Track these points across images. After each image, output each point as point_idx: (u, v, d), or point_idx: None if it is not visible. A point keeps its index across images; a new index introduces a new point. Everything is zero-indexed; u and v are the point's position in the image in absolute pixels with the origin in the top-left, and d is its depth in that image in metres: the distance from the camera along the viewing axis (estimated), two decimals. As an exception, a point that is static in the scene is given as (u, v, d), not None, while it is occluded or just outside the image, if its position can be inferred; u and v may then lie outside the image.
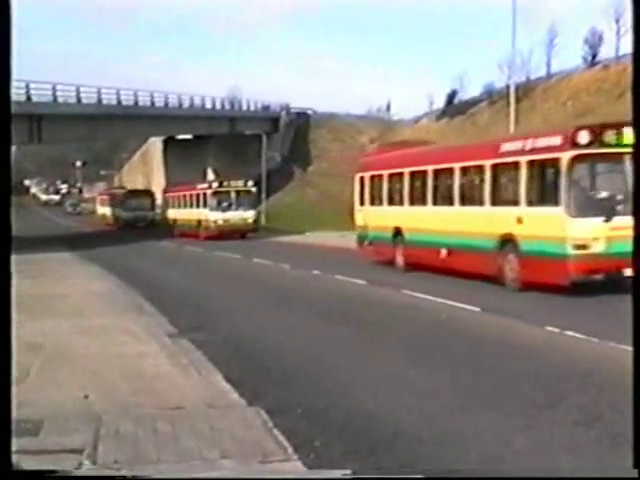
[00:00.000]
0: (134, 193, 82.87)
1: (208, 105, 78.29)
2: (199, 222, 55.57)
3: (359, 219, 30.40)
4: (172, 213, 65.84)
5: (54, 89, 56.88)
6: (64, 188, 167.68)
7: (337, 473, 7.19)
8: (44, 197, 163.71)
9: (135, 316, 17.36)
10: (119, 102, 64.92)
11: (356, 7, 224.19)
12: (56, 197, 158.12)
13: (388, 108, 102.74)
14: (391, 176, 27.89)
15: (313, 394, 10.25)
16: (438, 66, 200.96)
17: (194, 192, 58.86)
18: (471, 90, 75.64)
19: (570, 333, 13.74)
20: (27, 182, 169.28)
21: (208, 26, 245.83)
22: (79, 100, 59.72)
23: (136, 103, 67.30)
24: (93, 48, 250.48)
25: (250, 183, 56.61)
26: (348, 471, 7.23)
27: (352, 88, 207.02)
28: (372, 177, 29.38)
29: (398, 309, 18.31)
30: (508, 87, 46.25)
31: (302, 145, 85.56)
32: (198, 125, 76.69)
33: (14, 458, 7.53)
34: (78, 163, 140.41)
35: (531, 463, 7.48)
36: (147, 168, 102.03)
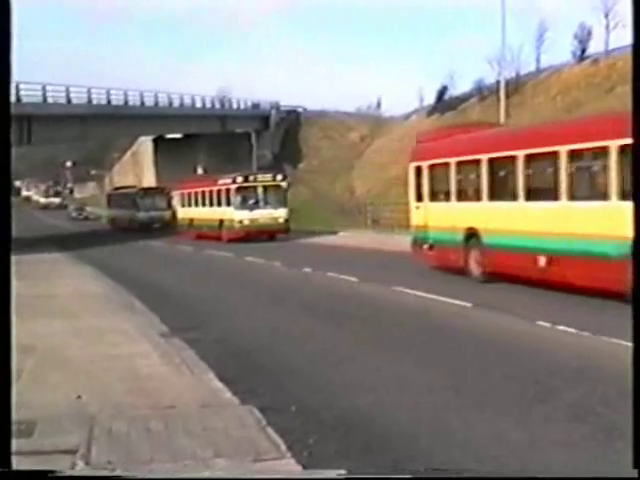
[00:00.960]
0: (148, 191, 74.25)
1: (198, 104, 78.23)
2: (221, 222, 47.78)
3: (416, 218, 25.05)
4: (185, 212, 57.30)
5: (44, 89, 56.74)
6: (65, 190, 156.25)
7: (332, 473, 7.19)
8: (43, 200, 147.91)
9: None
10: (109, 102, 64.79)
11: (346, 5, 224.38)
12: (56, 200, 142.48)
13: (378, 105, 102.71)
14: (461, 164, 22.59)
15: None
16: (428, 62, 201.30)
17: (214, 188, 50.90)
18: (461, 86, 75.82)
19: (562, 327, 13.78)
20: (18, 183, 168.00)
21: (198, 25, 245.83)
22: (69, 100, 59.60)
23: (126, 103, 67.18)
24: (83, 48, 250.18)
25: (279, 177, 48.69)
26: (343, 471, 7.24)
27: (342, 85, 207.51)
28: (433, 167, 24.15)
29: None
30: (498, 83, 46.32)
31: (292, 143, 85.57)
32: (188, 124, 76.62)
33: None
34: (68, 163, 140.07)
35: (525, 460, 7.50)
36: (138, 168, 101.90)
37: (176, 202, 65.06)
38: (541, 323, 14.31)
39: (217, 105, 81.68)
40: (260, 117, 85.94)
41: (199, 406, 9.45)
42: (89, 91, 62.52)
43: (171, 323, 16.23)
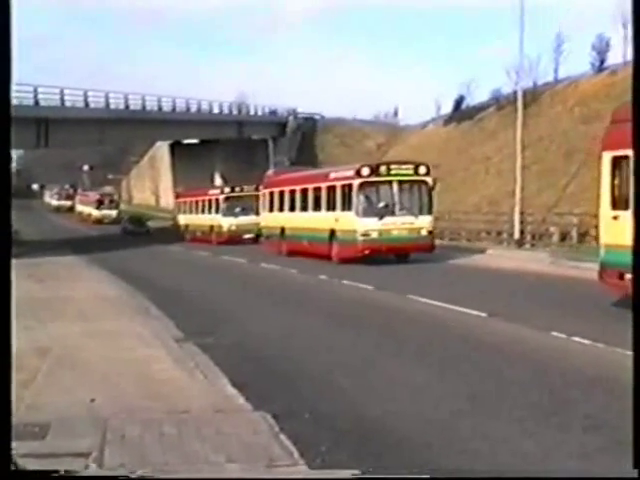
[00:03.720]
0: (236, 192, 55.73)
1: (216, 110, 78.38)
2: (332, 233, 33.45)
3: (612, 232, 16.63)
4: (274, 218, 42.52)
5: (62, 93, 57.00)
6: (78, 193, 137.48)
7: (344, 473, 7.19)
8: (55, 202, 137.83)
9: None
10: (127, 106, 65.05)
11: (364, 12, 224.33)
12: (68, 203, 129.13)
13: (395, 113, 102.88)
14: None
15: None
16: (445, 72, 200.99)
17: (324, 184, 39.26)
18: (478, 96, 75.66)
19: (577, 339, 13.70)
20: (35, 186, 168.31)
21: (216, 32, 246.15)
22: (87, 104, 59.84)
23: (144, 107, 67.43)
24: (101, 52, 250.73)
25: (422, 169, 33.90)
26: (356, 471, 7.23)
27: (359, 93, 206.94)
28: None
29: None
30: (516, 92, 46.17)
31: (309, 150, 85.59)
32: (205, 130, 76.78)
33: (20, 461, 7.57)
34: (85, 167, 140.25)
35: (539, 471, 7.47)
36: (155, 172, 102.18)
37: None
38: (556, 334, 14.24)
39: (234, 111, 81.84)
40: (277, 124, 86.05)
41: (212, 411, 9.45)
42: (107, 95, 62.78)
43: (186, 328, 16.25)
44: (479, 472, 7.33)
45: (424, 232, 32.07)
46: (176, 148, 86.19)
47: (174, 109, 71.90)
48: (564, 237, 37.29)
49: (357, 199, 31.84)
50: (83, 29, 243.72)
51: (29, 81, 51.96)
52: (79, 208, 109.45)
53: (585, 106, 53.44)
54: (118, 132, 65.60)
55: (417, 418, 9.32)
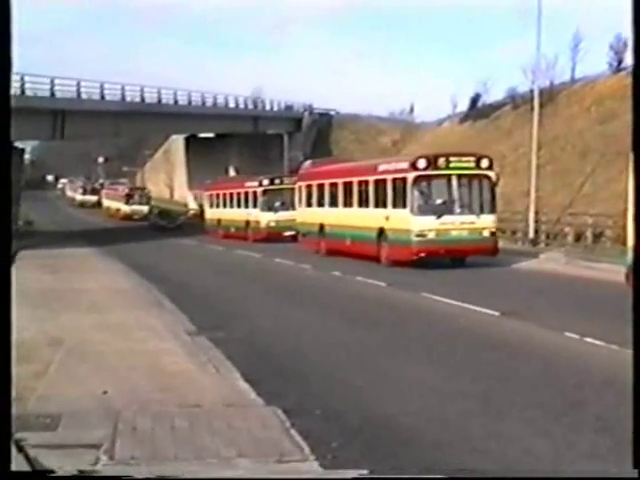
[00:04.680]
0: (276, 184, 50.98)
1: (231, 104, 78.28)
2: (381, 232, 29.94)
3: None
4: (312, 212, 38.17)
5: (78, 85, 57.01)
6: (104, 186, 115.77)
7: (353, 473, 7.19)
8: (79, 197, 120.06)
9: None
10: (143, 99, 65.01)
11: (380, 9, 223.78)
12: (93, 198, 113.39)
13: (411, 110, 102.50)
14: None
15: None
16: (462, 69, 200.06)
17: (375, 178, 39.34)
18: (495, 94, 75.41)
19: (590, 340, 13.67)
20: (50, 177, 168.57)
21: (233, 26, 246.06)
22: (103, 97, 59.82)
23: (159, 101, 67.34)
24: (118, 45, 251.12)
25: (485, 162, 30.23)
26: (364, 471, 7.24)
27: (375, 90, 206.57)
28: None
29: None
30: (532, 91, 46.01)
31: (324, 145, 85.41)
32: (221, 124, 76.72)
33: (32, 452, 7.60)
34: (100, 159, 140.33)
35: (550, 470, 7.46)
36: (169, 166, 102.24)
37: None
38: (569, 334, 14.21)
39: (250, 106, 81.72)
40: (293, 119, 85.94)
41: (224, 405, 9.46)
42: (123, 88, 62.75)
43: (199, 321, 16.29)
44: (489, 472, 7.33)
45: (486, 233, 28.65)
46: (191, 142, 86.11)
47: (190, 103, 71.81)
48: (579, 237, 37.15)
49: (412, 195, 28.33)
50: (102, 25, 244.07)
51: (46, 73, 52.11)
52: (106, 203, 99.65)
53: (602, 106, 53.23)
54: (133, 125, 65.63)
55: (428, 416, 9.32)
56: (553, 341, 14.05)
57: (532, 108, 41.91)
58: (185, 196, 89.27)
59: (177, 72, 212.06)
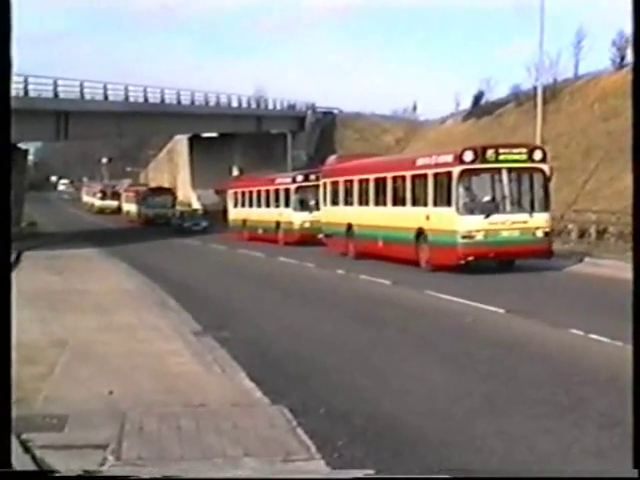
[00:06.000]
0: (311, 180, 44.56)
1: (234, 103, 78.28)
2: (418, 233, 27.09)
3: None
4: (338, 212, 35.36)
5: (81, 86, 57.03)
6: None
7: (359, 472, 7.20)
8: (98, 202, 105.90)
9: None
10: (146, 99, 65.04)
11: (383, 7, 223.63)
12: (114, 203, 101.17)
13: (414, 108, 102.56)
14: None
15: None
16: (465, 67, 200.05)
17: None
18: (498, 91, 75.33)
19: (595, 336, 13.66)
20: (53, 178, 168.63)
21: (235, 25, 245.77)
22: (106, 97, 59.83)
23: (162, 101, 67.37)
24: (121, 46, 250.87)
25: (538, 154, 27.00)
26: (371, 471, 7.24)
27: (378, 88, 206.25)
28: None
29: None
30: (535, 89, 46.01)
31: (327, 144, 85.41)
32: (224, 123, 76.74)
33: (38, 453, 7.63)
34: (104, 160, 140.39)
35: (555, 468, 7.47)
36: (173, 165, 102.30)
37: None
38: (574, 331, 14.21)
39: (253, 105, 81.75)
40: (296, 118, 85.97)
41: (230, 405, 9.48)
42: (126, 88, 62.77)
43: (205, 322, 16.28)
44: (495, 472, 7.33)
45: (540, 233, 25.92)
46: (194, 141, 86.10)
47: (193, 102, 71.82)
48: (582, 234, 37.08)
49: (457, 191, 25.36)
50: (105, 26, 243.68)
51: (49, 74, 52.09)
52: (125, 207, 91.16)
53: (605, 103, 53.15)
54: (137, 125, 65.68)
55: (433, 415, 9.33)
56: (558, 338, 14.05)
57: (535, 105, 41.88)
58: (189, 196, 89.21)
59: (180, 72, 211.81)
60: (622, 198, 30.94)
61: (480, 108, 73.17)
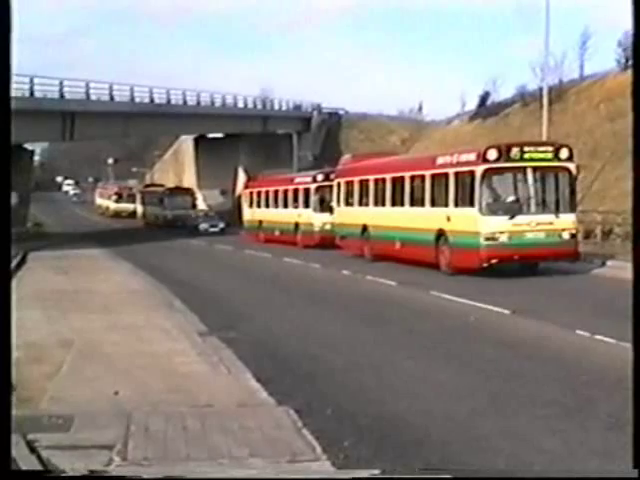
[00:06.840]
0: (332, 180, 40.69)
1: (240, 104, 78.29)
2: (439, 235, 26.06)
3: None
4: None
5: (87, 87, 57.07)
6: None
7: (365, 472, 7.19)
8: (113, 205, 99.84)
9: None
10: (152, 100, 65.04)
11: (389, 8, 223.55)
12: (130, 206, 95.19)
13: (420, 109, 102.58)
14: None
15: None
16: (471, 68, 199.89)
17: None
18: (504, 92, 75.25)
19: (601, 337, 13.64)
20: (59, 179, 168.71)
21: (241, 26, 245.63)
22: (112, 98, 59.88)
23: (168, 101, 67.36)
24: (126, 46, 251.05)
25: (565, 153, 26.15)
26: (377, 471, 7.23)
27: (384, 89, 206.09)
28: None
29: None
30: (541, 89, 45.94)
31: (333, 145, 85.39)
32: (230, 124, 76.73)
33: (44, 453, 7.63)
34: (110, 160, 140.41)
35: (561, 468, 7.46)
36: (178, 166, 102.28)
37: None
38: (580, 332, 14.19)
39: (259, 105, 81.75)
40: (302, 118, 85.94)
41: (236, 405, 9.48)
42: (132, 89, 62.82)
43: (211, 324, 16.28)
44: (499, 472, 7.32)
45: (566, 235, 24.82)
46: (200, 142, 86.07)
47: (199, 103, 71.82)
48: (588, 235, 37.01)
49: (480, 191, 24.35)
50: (111, 26, 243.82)
51: (55, 74, 52.14)
52: (140, 209, 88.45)
53: (611, 103, 53.11)
54: (143, 125, 65.72)
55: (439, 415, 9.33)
56: (564, 339, 14.03)
57: (541, 106, 41.83)
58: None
59: (185, 72, 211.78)
60: (628, 199, 30.81)
61: (486, 108, 73.09)
